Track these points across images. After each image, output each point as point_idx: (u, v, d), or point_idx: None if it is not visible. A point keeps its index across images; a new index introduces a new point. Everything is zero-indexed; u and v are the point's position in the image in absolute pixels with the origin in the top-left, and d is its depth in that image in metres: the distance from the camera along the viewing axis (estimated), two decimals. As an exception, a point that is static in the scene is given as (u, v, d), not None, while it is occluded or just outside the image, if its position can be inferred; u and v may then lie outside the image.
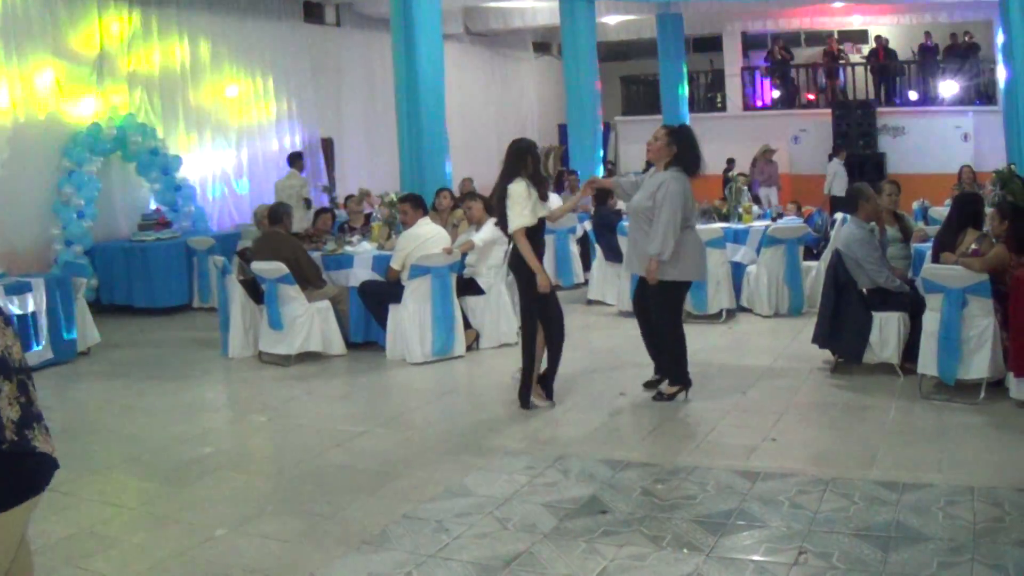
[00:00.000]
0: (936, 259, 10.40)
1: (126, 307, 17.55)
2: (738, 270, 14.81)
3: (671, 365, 10.35)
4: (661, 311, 10.25)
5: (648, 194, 10.00)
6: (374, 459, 8.86)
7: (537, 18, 27.93)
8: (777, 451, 8.48)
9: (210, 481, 8.50)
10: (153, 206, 18.85)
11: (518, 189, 9.83)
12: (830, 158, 27.56)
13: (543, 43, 34.33)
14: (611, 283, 15.67)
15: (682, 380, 10.26)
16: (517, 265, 10.14)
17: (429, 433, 9.67)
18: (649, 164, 19.33)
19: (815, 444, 8.91)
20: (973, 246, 10.10)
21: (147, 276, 17.41)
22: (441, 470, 8.39)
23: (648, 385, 10.54)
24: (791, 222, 15.43)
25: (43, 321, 13.31)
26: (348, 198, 17.14)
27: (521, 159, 10.02)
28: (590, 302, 15.86)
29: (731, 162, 26.00)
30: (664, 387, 10.34)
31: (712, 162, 27.91)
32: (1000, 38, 21.94)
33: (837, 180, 26.12)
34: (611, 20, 29.39)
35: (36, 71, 17.12)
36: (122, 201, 18.83)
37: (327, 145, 23.44)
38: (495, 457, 8.63)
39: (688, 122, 28.21)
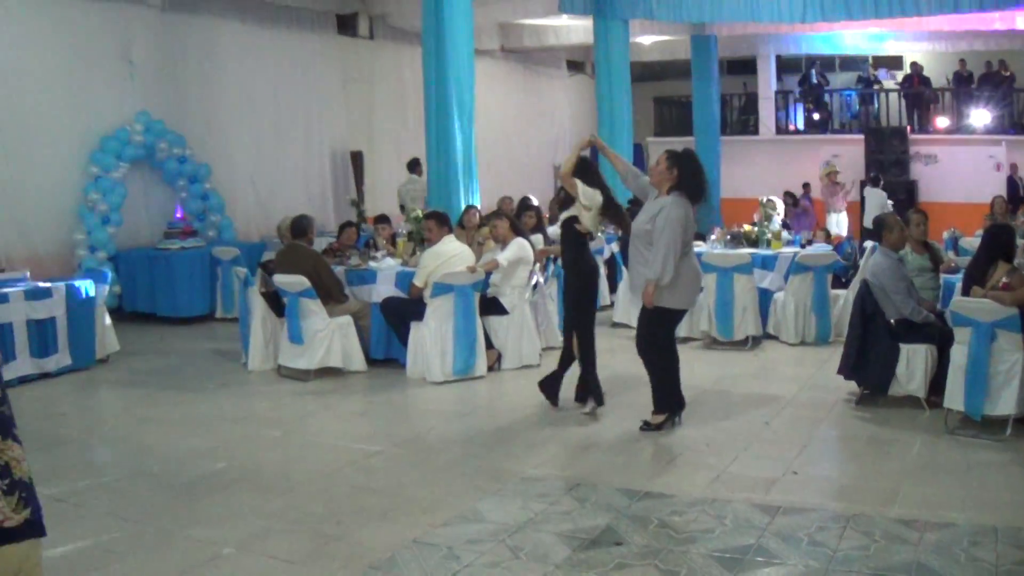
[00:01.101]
0: (966, 291, 10.22)
1: (148, 315, 17.49)
2: (765, 297, 14.63)
3: (655, 391, 10.23)
4: (651, 336, 10.17)
5: (648, 217, 9.91)
6: (387, 480, 8.73)
7: (571, 36, 27.77)
8: (798, 485, 8.31)
9: (220, 497, 8.38)
10: (179, 214, 18.72)
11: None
12: (863, 185, 27.19)
13: (577, 62, 34.18)
14: (637, 306, 15.46)
15: (667, 407, 10.12)
16: (571, 263, 10.58)
17: (445, 455, 9.51)
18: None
19: (837, 478, 8.74)
20: (1004, 279, 9.90)
21: (170, 285, 17.36)
22: (455, 494, 8.25)
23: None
24: (820, 249, 15.23)
25: (62, 327, 13.27)
26: (379, 219, 16.99)
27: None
28: (615, 325, 15.69)
29: (807, 187, 26.01)
30: (651, 416, 10.17)
31: (744, 185, 27.99)
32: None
33: (879, 209, 25.75)
34: (645, 40, 29.18)
35: (64, 75, 17.07)
36: (148, 208, 18.76)
37: (356, 158, 23.31)
38: (510, 482, 8.48)
39: (719, 144, 28.16)
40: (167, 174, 18.72)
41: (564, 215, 10.71)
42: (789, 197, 24.96)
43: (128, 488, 8.69)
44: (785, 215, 18.20)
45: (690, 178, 9.95)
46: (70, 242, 17.05)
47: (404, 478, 8.76)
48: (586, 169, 10.64)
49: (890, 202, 24.89)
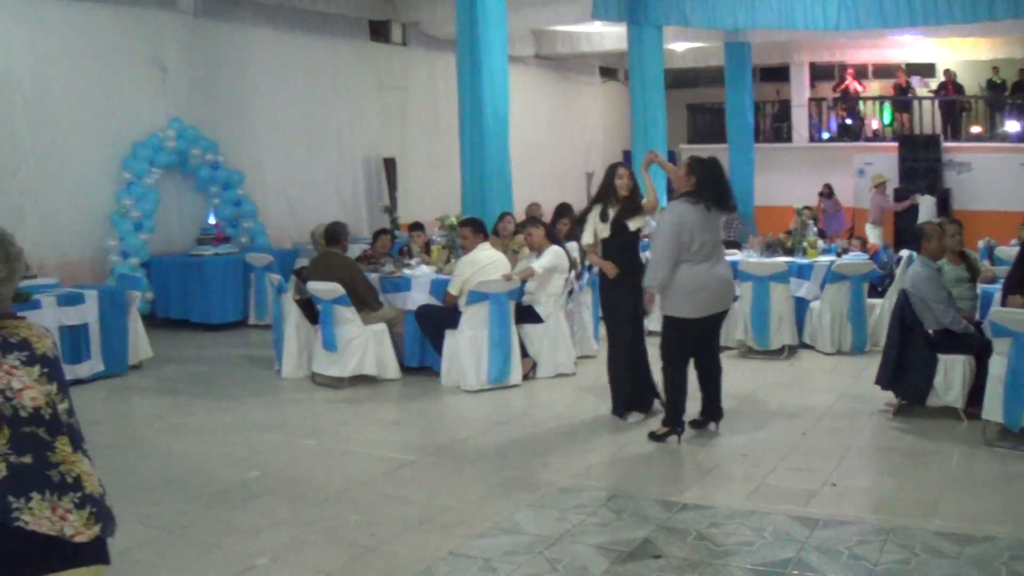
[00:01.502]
0: (1005, 301, 10.12)
1: (182, 321, 17.49)
2: (801, 306, 14.51)
3: (664, 402, 10.24)
4: (662, 344, 10.17)
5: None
6: (422, 490, 8.66)
7: (604, 43, 27.67)
8: (837, 497, 8.21)
9: (254, 506, 8.34)
10: (212, 220, 18.71)
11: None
12: (902, 196, 26.90)
13: (610, 68, 34.13)
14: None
15: (672, 422, 10.00)
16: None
17: (480, 465, 9.44)
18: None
19: (876, 491, 8.64)
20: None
21: (203, 291, 17.33)
22: (491, 504, 8.18)
23: (694, 424, 10.27)
24: (857, 258, 15.13)
25: (95, 333, 13.31)
26: (413, 226, 16.92)
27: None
28: (650, 333, 15.55)
29: (828, 186, 25.78)
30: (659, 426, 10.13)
31: (778, 193, 27.85)
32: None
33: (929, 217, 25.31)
34: (679, 47, 29.11)
35: (97, 81, 17.12)
36: (181, 214, 18.78)
37: (390, 165, 23.29)
38: (547, 493, 8.40)
39: (752, 152, 28.06)
40: (200, 180, 18.75)
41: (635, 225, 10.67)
42: (826, 188, 24.92)
43: (161, 497, 8.63)
44: (815, 216, 17.98)
45: (708, 185, 9.85)
46: (102, 248, 17.09)
47: (439, 488, 8.70)
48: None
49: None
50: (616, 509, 7.93)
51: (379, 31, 23.66)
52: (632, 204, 10.61)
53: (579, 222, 11.11)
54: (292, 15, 20.98)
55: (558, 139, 30.99)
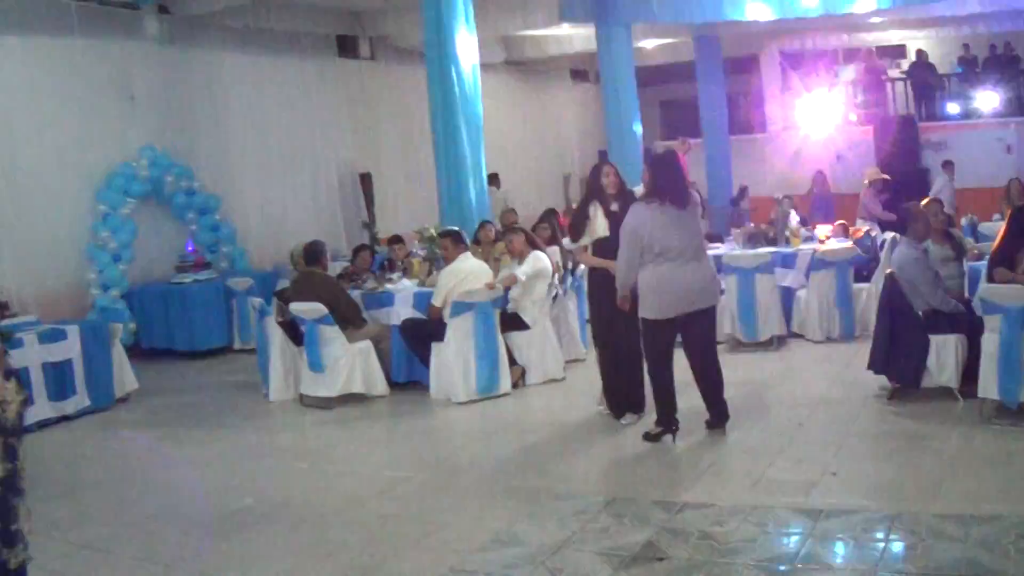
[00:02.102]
0: (991, 277, 10.05)
1: (166, 350, 17.33)
2: (787, 295, 14.47)
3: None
4: (642, 344, 10.15)
5: None
6: (419, 506, 8.56)
7: (574, 45, 27.54)
8: (838, 486, 8.12)
9: (252, 534, 8.21)
10: (190, 247, 18.57)
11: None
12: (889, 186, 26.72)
13: (580, 70, 34.02)
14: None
15: (663, 421, 9.93)
16: None
17: (475, 477, 9.35)
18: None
19: (877, 477, 8.54)
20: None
21: (186, 318, 17.21)
22: (489, 516, 8.07)
23: (708, 425, 10.10)
24: (840, 244, 15.04)
25: (79, 368, 13.11)
26: (392, 239, 16.79)
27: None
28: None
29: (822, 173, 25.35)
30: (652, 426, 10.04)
31: (758, 183, 27.73)
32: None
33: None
34: (648, 44, 29.03)
35: (66, 114, 16.99)
36: (159, 242, 18.57)
37: (366, 180, 23.18)
38: (545, 501, 8.30)
39: (728, 144, 28.01)
40: (176, 207, 18.59)
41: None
42: (820, 176, 24.53)
43: (157, 530, 8.52)
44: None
45: (662, 180, 9.75)
46: (82, 281, 16.95)
47: (436, 503, 8.60)
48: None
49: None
50: (616, 513, 7.82)
51: (347, 47, 23.53)
52: (626, 202, 10.41)
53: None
54: (259, 36, 20.82)
55: (533, 144, 30.88)
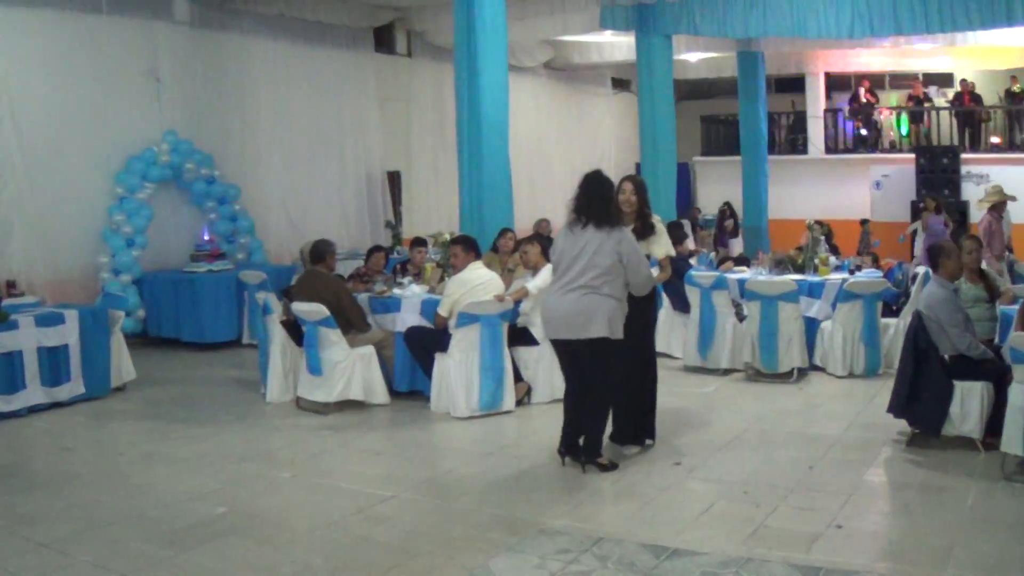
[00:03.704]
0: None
1: (174, 340, 17.04)
2: (812, 326, 13.93)
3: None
4: None
5: None
6: (396, 531, 8.07)
7: (615, 54, 27.30)
8: (843, 541, 7.56)
9: (214, 547, 7.77)
10: (207, 236, 18.23)
11: (659, 221, 10.23)
12: (914, 207, 26.14)
13: (622, 79, 33.66)
14: (678, 334, 14.90)
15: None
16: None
17: (461, 502, 8.85)
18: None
19: (885, 534, 7.96)
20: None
21: (195, 309, 16.95)
22: (468, 549, 7.56)
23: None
24: (870, 276, 14.52)
25: (75, 354, 12.82)
26: (415, 241, 16.31)
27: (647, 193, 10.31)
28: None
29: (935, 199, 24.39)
30: None
31: (793, 206, 27.38)
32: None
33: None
34: (691, 57, 28.67)
35: (89, 93, 16.77)
36: (176, 230, 18.36)
37: (393, 178, 22.84)
38: (528, 535, 7.78)
39: (766, 164, 27.64)
40: (195, 195, 18.32)
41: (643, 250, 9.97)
42: (933, 201, 23.60)
43: (119, 534, 8.11)
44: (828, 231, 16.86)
45: (582, 204, 9.48)
46: (94, 265, 16.72)
47: (414, 529, 8.11)
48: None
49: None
50: (601, 555, 7.29)
51: (383, 42, 23.28)
52: (639, 224, 10.05)
53: None
54: (292, 25, 20.58)
55: (569, 151, 30.48)
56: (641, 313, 9.98)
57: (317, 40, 21.39)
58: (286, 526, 8.24)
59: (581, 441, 9.60)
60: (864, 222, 24.86)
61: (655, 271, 9.99)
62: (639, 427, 10.24)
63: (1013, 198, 19.07)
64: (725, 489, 8.95)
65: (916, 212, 25.57)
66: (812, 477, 9.26)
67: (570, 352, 9.55)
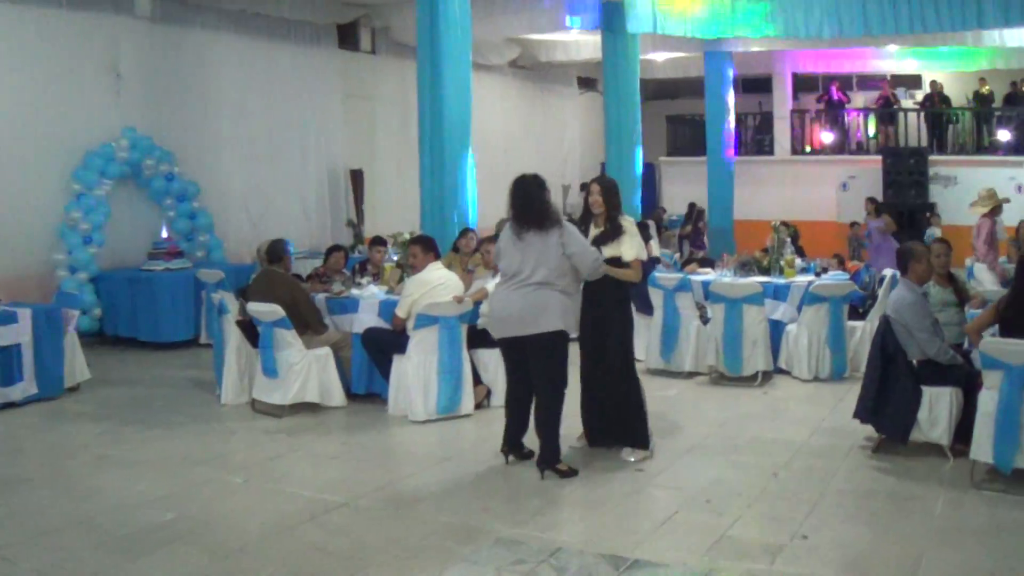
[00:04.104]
0: (1005, 330, 9.33)
1: (130, 339, 16.79)
2: (777, 329, 13.76)
3: None
4: None
5: None
6: (348, 540, 7.84)
7: (582, 52, 27.11)
8: (807, 552, 7.35)
9: (163, 554, 7.55)
10: (165, 234, 17.97)
11: (631, 222, 10.02)
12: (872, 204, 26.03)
13: (589, 78, 33.47)
14: (641, 336, 14.64)
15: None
16: (607, 300, 9.81)
17: (416, 509, 8.61)
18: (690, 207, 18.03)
19: (852, 544, 7.71)
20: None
21: (153, 308, 16.67)
22: (421, 559, 7.35)
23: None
24: (836, 278, 14.35)
25: (28, 354, 12.57)
26: (374, 240, 16.02)
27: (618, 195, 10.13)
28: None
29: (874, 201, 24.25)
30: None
31: (759, 207, 27.32)
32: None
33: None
34: (658, 57, 28.49)
35: (47, 87, 16.60)
36: (133, 227, 18.10)
37: (356, 177, 22.61)
38: (483, 545, 7.56)
39: (732, 165, 27.54)
40: (154, 192, 18.09)
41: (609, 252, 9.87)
42: (872, 203, 23.52)
43: (67, 541, 7.88)
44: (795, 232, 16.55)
45: (514, 204, 9.52)
46: (50, 262, 16.48)
47: (367, 537, 7.88)
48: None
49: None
50: (559, 566, 7.07)
51: (347, 38, 23.07)
52: (609, 227, 9.93)
53: None
54: (255, 21, 20.40)
55: (534, 150, 30.23)
56: (609, 316, 9.90)
57: (281, 36, 21.18)
58: (237, 533, 8.02)
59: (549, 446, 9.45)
60: (853, 224, 24.62)
61: (628, 271, 9.82)
62: (630, 435, 10.04)
63: (1007, 200, 18.76)
64: (687, 497, 8.75)
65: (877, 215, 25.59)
66: (776, 485, 9.09)
67: (518, 350, 9.47)
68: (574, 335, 9.67)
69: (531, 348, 9.35)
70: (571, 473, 9.35)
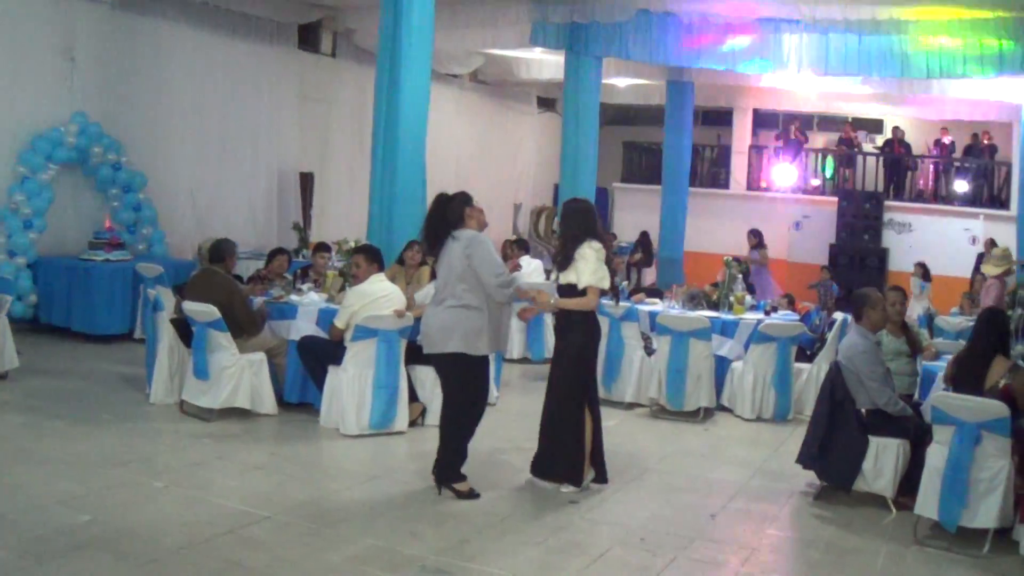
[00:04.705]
0: (957, 385, 9.23)
1: (64, 329, 16.39)
2: (722, 365, 13.56)
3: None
4: None
5: None
6: (265, 556, 7.55)
7: (543, 72, 26.86)
8: (742, 603, 7.15)
9: (73, 560, 7.24)
10: (108, 224, 17.59)
11: (594, 249, 9.53)
12: (833, 251, 25.94)
13: (548, 99, 33.27)
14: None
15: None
16: (566, 329, 9.67)
17: (340, 529, 8.32)
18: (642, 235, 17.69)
19: (790, 595, 7.57)
20: (1004, 381, 8.87)
21: (89, 298, 16.24)
22: (336, 583, 7.06)
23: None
24: (786, 318, 14.15)
25: (-46, 340, 12.14)
26: (318, 246, 15.67)
27: (593, 219, 9.79)
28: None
29: (757, 233, 24.18)
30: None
31: (711, 240, 27.21)
32: (1020, 141, 21.19)
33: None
34: (620, 82, 28.27)
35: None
36: (76, 215, 17.73)
37: (306, 180, 22.32)
38: (408, 572, 7.31)
39: (686, 195, 27.45)
40: (100, 180, 17.74)
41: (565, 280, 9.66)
42: (755, 236, 23.57)
43: (-28, 539, 7.52)
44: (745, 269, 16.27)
45: (436, 223, 9.58)
46: (-12, 246, 15.97)
47: (286, 555, 7.59)
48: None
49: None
50: (476, 601, 6.83)
51: (308, 39, 22.82)
52: (563, 253, 9.70)
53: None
54: (216, 15, 20.12)
55: (488, 167, 30.02)
56: (561, 346, 9.78)
57: (240, 32, 20.89)
58: (151, 542, 7.70)
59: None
60: (824, 268, 24.30)
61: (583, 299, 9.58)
62: (560, 469, 9.77)
63: (1022, 263, 18.18)
64: (622, 534, 8.51)
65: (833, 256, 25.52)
66: (714, 527, 8.87)
67: (437, 367, 9.60)
68: (492, 352, 9.58)
69: (436, 366, 9.55)
70: (471, 496, 9.24)
